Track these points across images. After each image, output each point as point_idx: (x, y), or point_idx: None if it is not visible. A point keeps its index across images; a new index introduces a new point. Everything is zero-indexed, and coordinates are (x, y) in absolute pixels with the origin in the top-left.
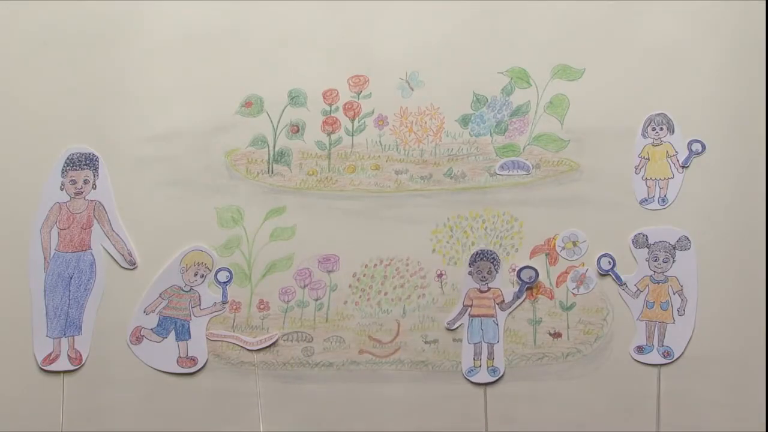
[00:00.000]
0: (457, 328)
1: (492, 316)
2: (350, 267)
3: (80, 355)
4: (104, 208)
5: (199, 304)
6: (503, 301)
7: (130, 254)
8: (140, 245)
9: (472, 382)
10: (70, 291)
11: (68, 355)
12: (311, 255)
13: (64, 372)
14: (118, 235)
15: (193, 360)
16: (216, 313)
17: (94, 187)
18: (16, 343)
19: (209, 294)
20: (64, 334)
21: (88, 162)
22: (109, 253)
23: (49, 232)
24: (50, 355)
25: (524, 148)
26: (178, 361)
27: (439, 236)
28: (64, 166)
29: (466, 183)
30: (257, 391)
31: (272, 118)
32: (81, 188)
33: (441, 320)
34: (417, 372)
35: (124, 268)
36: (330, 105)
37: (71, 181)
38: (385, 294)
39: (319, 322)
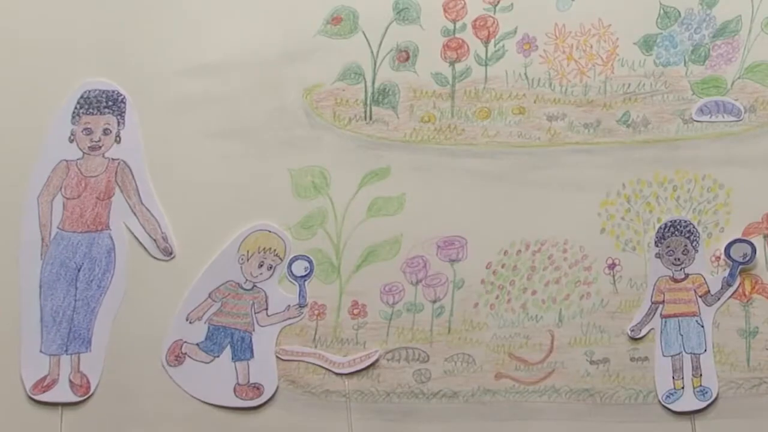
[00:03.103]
0: (644, 336)
1: (694, 314)
2: (483, 254)
3: (87, 382)
4: (131, 170)
5: (266, 309)
6: (708, 292)
7: (164, 238)
8: (180, 225)
9: (674, 412)
10: (77, 288)
11: (70, 380)
12: (427, 237)
13: (63, 405)
14: (149, 210)
15: (258, 389)
16: (290, 321)
17: (118, 140)
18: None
19: (280, 293)
20: (66, 351)
21: (110, 103)
22: (135, 235)
23: (51, 201)
24: (44, 379)
25: (733, 83)
26: (236, 390)
27: (610, 210)
28: (76, 108)
29: (650, 134)
30: None
31: (370, 39)
32: (99, 141)
33: (612, 330)
34: (579, 405)
35: (155, 258)
36: (454, 21)
37: (85, 129)
38: (534, 293)
39: (438, 334)
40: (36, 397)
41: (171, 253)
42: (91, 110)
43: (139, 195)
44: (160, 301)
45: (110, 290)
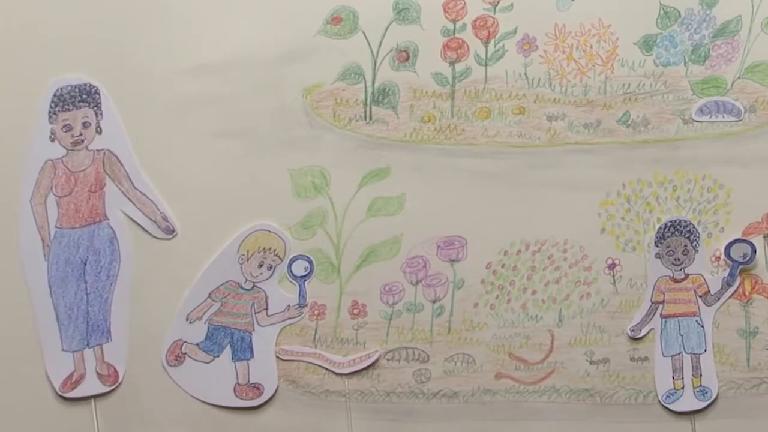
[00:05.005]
0: (644, 336)
1: (694, 314)
2: (483, 254)
3: (115, 371)
4: (118, 158)
5: (266, 308)
6: (708, 291)
7: (164, 218)
8: (180, 225)
9: (674, 412)
10: (86, 282)
11: (97, 372)
12: (427, 237)
13: (95, 397)
14: (143, 193)
15: (258, 389)
16: (290, 321)
17: (99, 131)
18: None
19: (280, 293)
20: (88, 344)
21: (85, 96)
22: (134, 220)
23: (44, 202)
24: (71, 376)
25: (733, 83)
26: (236, 390)
27: (610, 210)
28: (51, 107)
29: (650, 134)
30: None
31: (370, 39)
32: (80, 135)
33: (612, 330)
34: (579, 405)
35: (158, 238)
36: (454, 21)
37: (64, 126)
38: (534, 293)
39: (438, 333)
40: (67, 395)
41: (173, 231)
42: (66, 106)
43: (130, 180)
44: (163, 296)
45: (120, 278)
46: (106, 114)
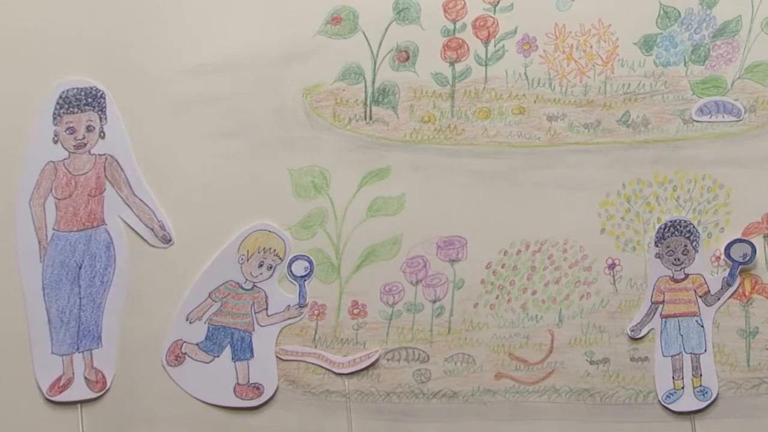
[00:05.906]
0: (644, 336)
1: (694, 314)
2: (483, 254)
3: (103, 377)
4: (119, 164)
5: (266, 308)
6: (708, 291)
7: (161, 226)
8: (180, 225)
9: (674, 412)
10: (80, 286)
11: (85, 377)
12: (427, 237)
13: (82, 402)
14: (142, 201)
15: (258, 389)
16: (290, 321)
17: (102, 135)
18: (10, 368)
19: (280, 293)
20: (77, 349)
21: (90, 100)
22: (131, 226)
23: (43, 204)
24: (59, 379)
25: (733, 83)
26: (236, 390)
27: (610, 210)
28: (56, 109)
29: (650, 134)
30: None
31: (370, 39)
32: (83, 138)
33: (612, 330)
34: (579, 405)
35: (154, 246)
36: (454, 21)
37: (68, 129)
38: (534, 293)
39: (438, 333)
40: (54, 399)
41: (170, 240)
42: (71, 109)
43: (130, 187)
44: (160, 300)
45: (114, 284)
46: (111, 119)
